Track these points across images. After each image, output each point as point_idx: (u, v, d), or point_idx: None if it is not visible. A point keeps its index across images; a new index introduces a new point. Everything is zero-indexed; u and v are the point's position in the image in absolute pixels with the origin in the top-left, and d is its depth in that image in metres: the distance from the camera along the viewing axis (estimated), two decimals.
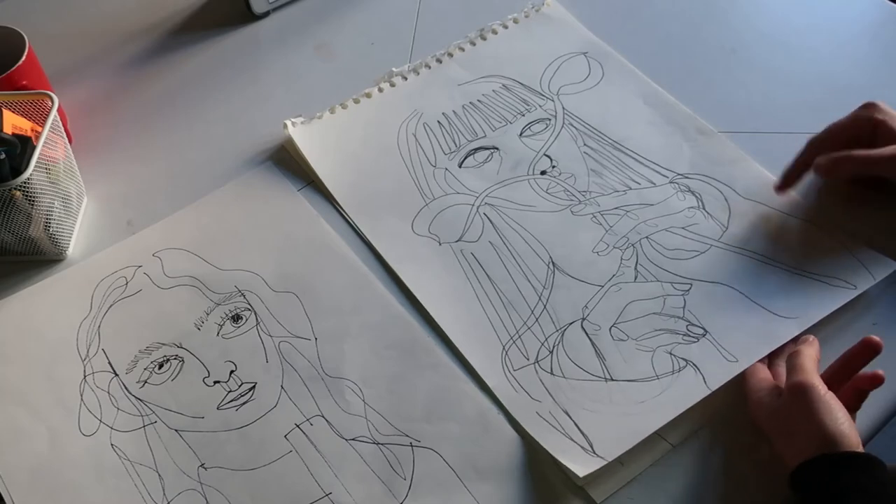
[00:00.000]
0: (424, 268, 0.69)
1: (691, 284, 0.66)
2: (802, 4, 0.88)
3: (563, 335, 0.65)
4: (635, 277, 0.67)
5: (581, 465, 0.58)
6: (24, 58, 0.72)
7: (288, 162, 0.77)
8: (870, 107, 0.68)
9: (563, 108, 0.79)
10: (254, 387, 0.63)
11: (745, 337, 0.63)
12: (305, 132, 0.78)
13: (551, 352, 0.64)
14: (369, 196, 0.74)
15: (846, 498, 0.51)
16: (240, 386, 0.63)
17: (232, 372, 0.64)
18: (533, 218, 0.72)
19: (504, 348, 0.64)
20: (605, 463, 0.58)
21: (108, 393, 0.63)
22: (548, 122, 0.78)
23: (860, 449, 0.53)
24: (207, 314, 0.67)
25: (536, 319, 0.65)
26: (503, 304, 0.67)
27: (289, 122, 0.78)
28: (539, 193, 0.73)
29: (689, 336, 0.64)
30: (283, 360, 0.64)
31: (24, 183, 0.63)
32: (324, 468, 0.59)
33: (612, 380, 0.62)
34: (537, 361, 0.63)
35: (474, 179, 0.74)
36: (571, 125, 0.78)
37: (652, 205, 0.71)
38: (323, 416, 0.62)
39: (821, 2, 0.88)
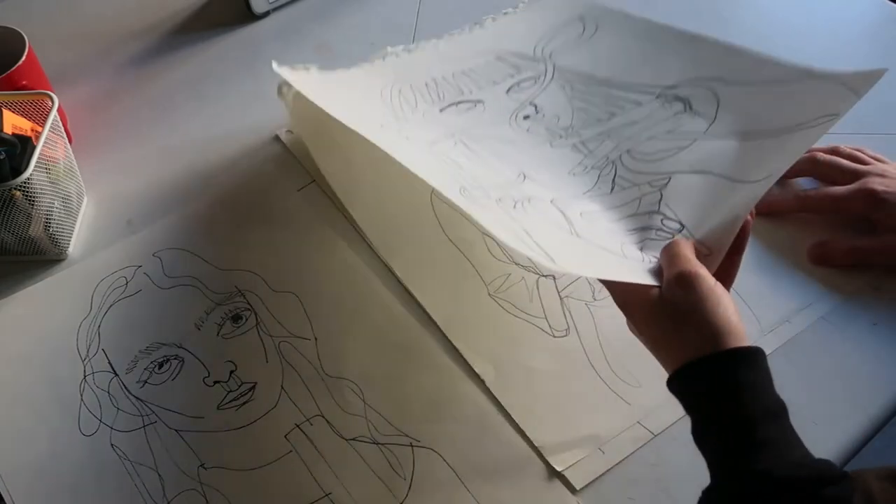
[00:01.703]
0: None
1: (670, 178, 0.62)
2: (802, 5, 0.88)
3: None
4: (612, 189, 0.64)
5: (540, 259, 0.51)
6: (24, 58, 0.72)
7: (288, 161, 0.77)
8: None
9: (556, 66, 0.76)
10: (254, 387, 0.63)
11: (718, 219, 0.56)
12: (298, 80, 0.71)
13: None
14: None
15: (742, 394, 0.48)
16: (240, 386, 0.63)
17: (232, 372, 0.64)
18: (511, 149, 0.69)
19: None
20: (557, 267, 0.51)
21: (108, 393, 0.63)
22: (537, 79, 0.75)
23: (746, 341, 0.50)
24: (207, 314, 0.67)
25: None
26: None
27: (277, 68, 0.71)
28: (519, 133, 0.70)
29: (663, 231, 0.58)
30: (283, 360, 0.64)
31: (24, 183, 0.63)
32: (324, 468, 0.59)
33: (579, 237, 0.58)
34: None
35: (455, 118, 0.71)
36: (562, 77, 0.75)
37: (636, 122, 0.68)
38: (323, 416, 0.62)
39: (821, 3, 0.88)
